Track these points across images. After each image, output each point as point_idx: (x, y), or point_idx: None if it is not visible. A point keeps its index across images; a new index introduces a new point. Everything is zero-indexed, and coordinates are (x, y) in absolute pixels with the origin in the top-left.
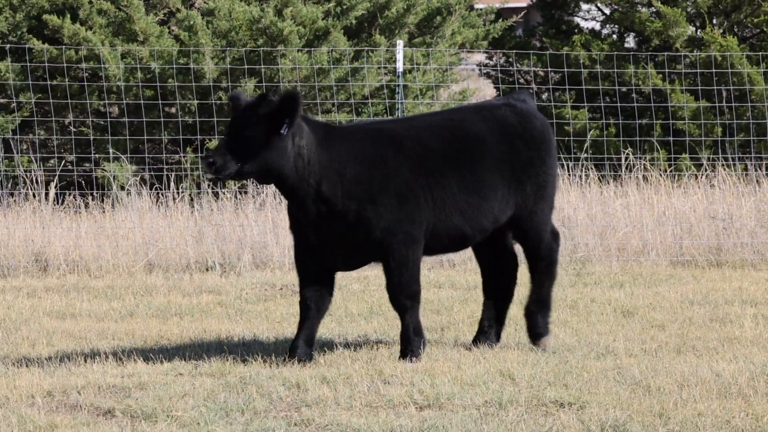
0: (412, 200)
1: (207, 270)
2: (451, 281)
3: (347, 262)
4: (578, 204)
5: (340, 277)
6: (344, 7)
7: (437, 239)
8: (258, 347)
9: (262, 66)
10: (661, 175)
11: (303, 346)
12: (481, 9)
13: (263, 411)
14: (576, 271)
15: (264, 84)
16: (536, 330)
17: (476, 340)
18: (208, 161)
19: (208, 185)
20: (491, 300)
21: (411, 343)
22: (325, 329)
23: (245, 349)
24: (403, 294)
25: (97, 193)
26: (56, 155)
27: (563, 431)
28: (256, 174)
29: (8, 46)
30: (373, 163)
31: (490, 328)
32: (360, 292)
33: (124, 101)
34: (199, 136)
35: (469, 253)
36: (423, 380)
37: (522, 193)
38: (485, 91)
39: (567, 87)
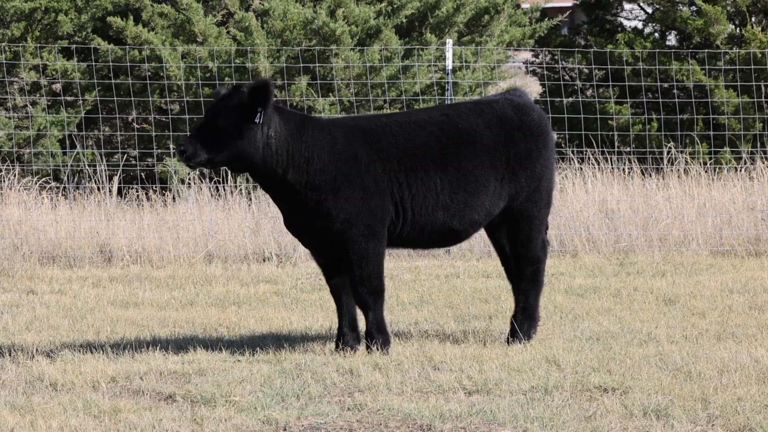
0: (378, 196)
1: (264, 260)
2: (499, 271)
3: (318, 249)
4: (621, 196)
5: (392, 267)
6: (395, 6)
7: (422, 234)
8: (313, 335)
9: (316, 64)
10: (701, 168)
11: (348, 332)
12: (527, 8)
13: (318, 396)
14: (619, 261)
15: (318, 82)
16: (515, 336)
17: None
18: (180, 149)
19: None
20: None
21: (374, 341)
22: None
23: (300, 337)
24: (365, 289)
25: (158, 186)
26: (120, 151)
27: (607, 416)
28: (227, 162)
29: (74, 46)
30: (342, 156)
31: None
32: (411, 282)
33: (185, 99)
34: None
35: None
36: (471, 366)
37: (516, 184)
38: (532, 88)
39: (611, 83)
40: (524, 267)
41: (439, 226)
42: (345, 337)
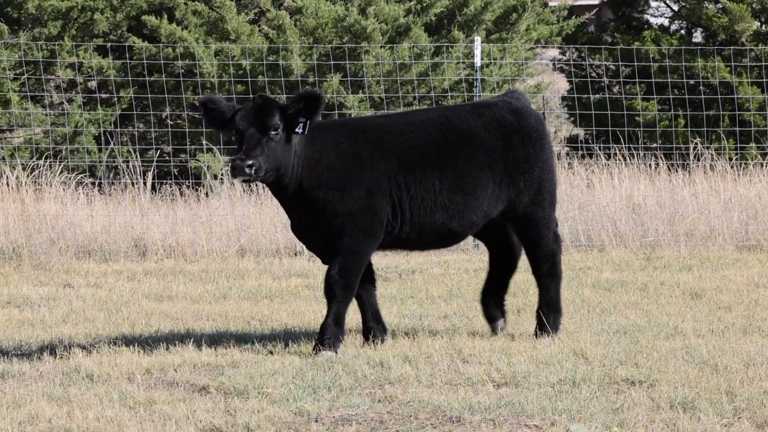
0: (379, 196)
1: (295, 255)
2: (527, 265)
3: (323, 251)
4: (648, 191)
5: (422, 261)
6: (424, 4)
7: (421, 234)
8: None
9: (347, 62)
10: (727, 163)
11: (374, 324)
12: (554, 6)
13: (349, 388)
14: (646, 255)
15: (349, 79)
16: (543, 329)
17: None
18: (248, 164)
19: None
20: (497, 276)
21: (330, 331)
22: (407, 310)
23: None
24: (341, 282)
25: (191, 182)
26: (154, 147)
27: (634, 408)
28: (274, 172)
29: (110, 44)
30: (346, 156)
31: (498, 305)
32: (440, 276)
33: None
34: None
35: None
36: (500, 359)
37: (515, 187)
38: (559, 85)
39: (637, 80)
40: (541, 264)
41: (438, 227)
42: (372, 330)
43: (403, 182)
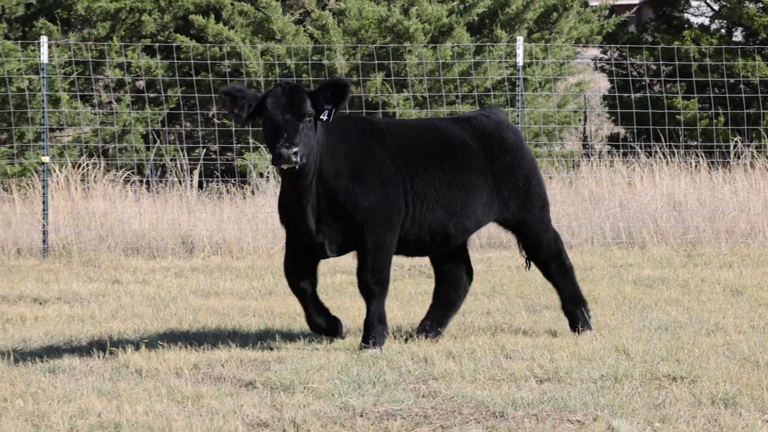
0: (393, 187)
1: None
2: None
3: (337, 245)
4: (689, 189)
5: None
6: (467, 4)
7: (419, 233)
8: (388, 323)
9: (390, 61)
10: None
11: (321, 316)
12: (595, 5)
13: (393, 383)
14: (687, 252)
15: (392, 78)
16: (576, 325)
17: (412, 335)
18: (294, 150)
19: None
20: (439, 305)
21: (374, 330)
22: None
23: None
24: (374, 279)
25: (237, 180)
26: (201, 145)
27: (676, 404)
28: (307, 158)
29: (157, 44)
30: (358, 147)
31: (430, 329)
32: (483, 273)
33: None
34: None
35: (586, 235)
36: (543, 355)
37: (501, 198)
38: (600, 84)
39: (678, 79)
40: (548, 266)
41: (437, 227)
42: (318, 324)
43: (407, 176)
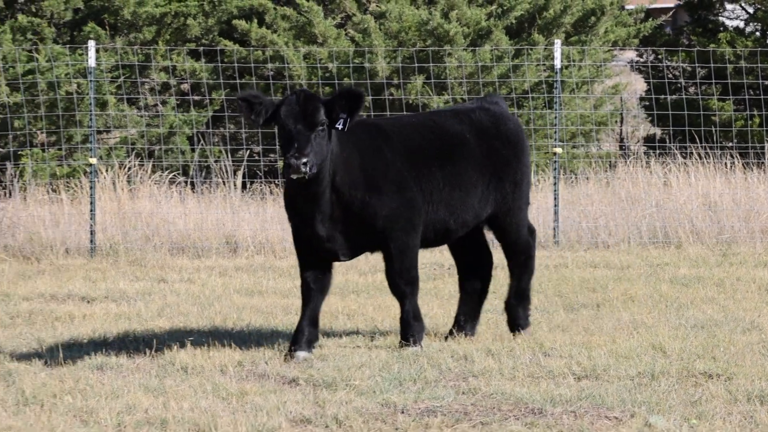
0: (409, 189)
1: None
2: (606, 261)
3: (350, 250)
4: (724, 189)
5: (503, 257)
6: (505, 8)
7: (425, 231)
8: (428, 322)
9: (430, 64)
10: None
11: (309, 327)
12: (631, 9)
13: (434, 380)
14: (722, 252)
15: (432, 81)
16: (516, 322)
17: (452, 333)
18: (303, 162)
19: None
20: (468, 296)
21: (411, 328)
22: (489, 305)
23: None
24: (403, 280)
25: (280, 181)
26: (244, 147)
27: (712, 401)
28: (319, 168)
29: (202, 48)
30: (370, 153)
31: (465, 323)
32: None
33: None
34: None
35: (622, 235)
36: (580, 353)
37: (501, 190)
38: (636, 86)
39: (713, 81)
40: (518, 256)
41: (439, 225)
42: (303, 333)
43: (415, 177)
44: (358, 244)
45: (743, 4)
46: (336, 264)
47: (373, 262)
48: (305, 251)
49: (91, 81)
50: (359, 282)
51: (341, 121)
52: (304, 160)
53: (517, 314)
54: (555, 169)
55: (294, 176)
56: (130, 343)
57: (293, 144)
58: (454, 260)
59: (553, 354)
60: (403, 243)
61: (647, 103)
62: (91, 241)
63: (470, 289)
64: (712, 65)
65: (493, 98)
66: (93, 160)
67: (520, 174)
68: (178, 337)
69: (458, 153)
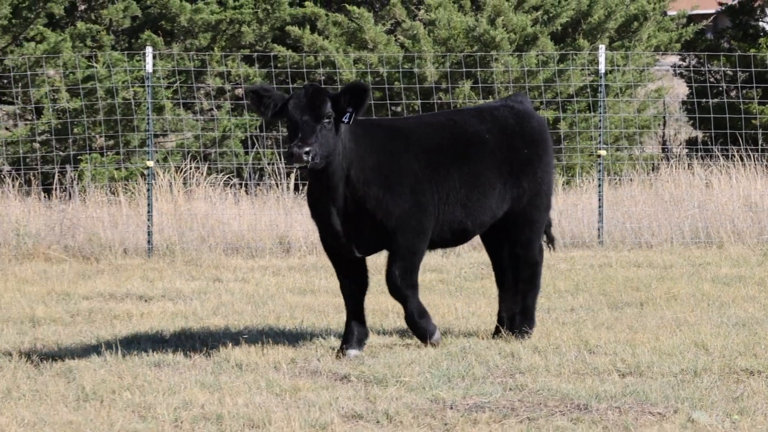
0: (421, 192)
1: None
2: (649, 261)
3: (364, 246)
4: (765, 190)
5: (548, 257)
6: (551, 15)
7: (440, 232)
8: (476, 320)
9: (478, 69)
10: None
11: (357, 325)
12: (673, 14)
13: (481, 377)
14: (763, 252)
15: (479, 85)
16: (513, 332)
17: (498, 330)
18: (305, 150)
19: None
20: (506, 294)
21: (419, 325)
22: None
23: (465, 322)
24: (405, 283)
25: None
26: None
27: (753, 397)
28: (325, 159)
29: (255, 54)
30: (387, 154)
31: (507, 317)
32: (567, 271)
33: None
34: None
35: (665, 235)
36: (624, 350)
37: (519, 188)
38: (678, 90)
39: (754, 85)
40: (523, 269)
41: (456, 225)
42: (353, 334)
43: (432, 179)
44: (371, 242)
45: None
46: (431, 263)
47: (422, 262)
48: (329, 249)
49: (148, 86)
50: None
51: (347, 114)
52: (307, 149)
53: (514, 329)
54: (599, 171)
55: (296, 164)
56: (187, 341)
57: (297, 134)
58: (490, 258)
59: (598, 351)
60: (412, 245)
61: (689, 107)
62: (149, 242)
63: (507, 285)
64: (752, 69)
65: (518, 97)
66: (150, 163)
67: (540, 173)
68: (232, 335)
69: (477, 153)
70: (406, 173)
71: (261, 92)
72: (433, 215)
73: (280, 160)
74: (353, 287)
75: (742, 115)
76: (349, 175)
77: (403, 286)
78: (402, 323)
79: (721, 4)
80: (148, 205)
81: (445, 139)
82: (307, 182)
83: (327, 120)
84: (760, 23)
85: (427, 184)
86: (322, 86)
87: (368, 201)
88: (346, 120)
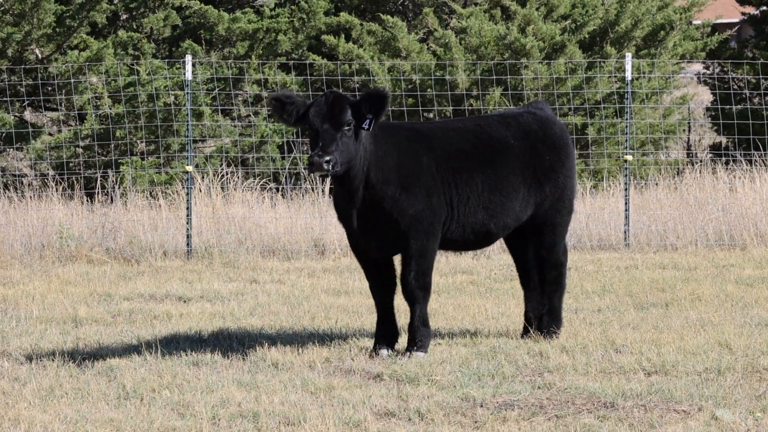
0: (436, 195)
1: (460, 253)
2: (674, 262)
3: (380, 247)
4: None
5: (576, 259)
6: (579, 23)
7: (462, 233)
8: (505, 320)
9: (508, 76)
10: None
11: (388, 325)
12: (698, 24)
13: (510, 376)
14: None
15: (509, 92)
16: (546, 333)
17: (526, 330)
18: (326, 159)
19: None
20: (531, 294)
21: (419, 333)
22: (563, 305)
23: (494, 322)
24: (418, 284)
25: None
26: None
27: None
28: (346, 166)
29: (292, 62)
30: (407, 156)
31: (534, 317)
32: (593, 273)
33: (389, 108)
34: None
35: (690, 238)
36: (650, 349)
37: (542, 193)
38: (703, 96)
39: None
40: (548, 271)
41: (479, 227)
42: (384, 337)
43: (452, 182)
44: (386, 242)
45: None
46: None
47: (453, 263)
48: (355, 250)
49: (187, 93)
50: (440, 282)
51: (367, 121)
52: (327, 158)
53: (542, 330)
54: (626, 175)
55: (317, 173)
56: (224, 341)
57: (318, 143)
58: (513, 260)
59: (624, 350)
60: (424, 246)
61: (713, 113)
62: (188, 244)
63: (533, 286)
64: None
65: (539, 104)
66: (189, 168)
67: (563, 178)
68: (269, 335)
69: (500, 158)
70: (424, 175)
71: (283, 99)
72: (443, 218)
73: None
74: (381, 288)
75: (765, 122)
76: (368, 177)
77: (416, 287)
78: (432, 323)
79: (744, 13)
80: (187, 208)
81: (470, 143)
82: (332, 186)
83: (347, 128)
84: None
85: (444, 186)
86: (342, 93)
87: (385, 200)
88: (366, 127)
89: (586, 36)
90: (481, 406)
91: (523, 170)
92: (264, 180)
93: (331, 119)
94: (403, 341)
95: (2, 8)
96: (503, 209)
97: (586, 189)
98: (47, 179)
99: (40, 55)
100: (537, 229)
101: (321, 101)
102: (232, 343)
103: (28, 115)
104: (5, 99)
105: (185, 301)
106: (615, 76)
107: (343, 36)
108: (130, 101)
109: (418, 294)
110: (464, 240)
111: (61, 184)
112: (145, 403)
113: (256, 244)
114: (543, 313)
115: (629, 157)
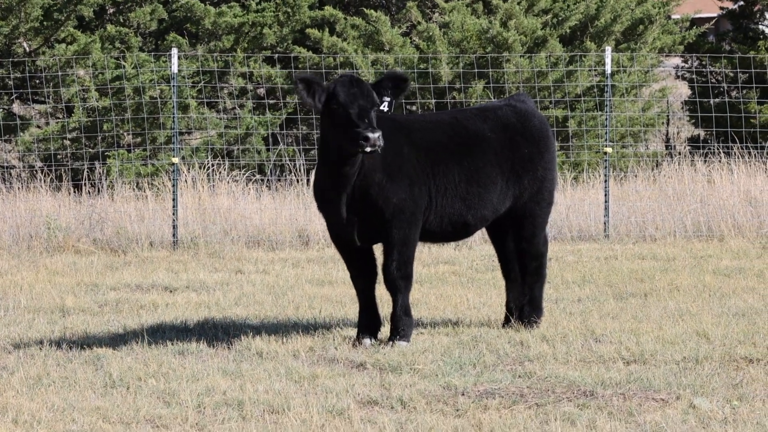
0: (418, 185)
1: (441, 244)
2: (653, 253)
3: (363, 236)
4: (764, 186)
5: (557, 249)
6: (560, 18)
7: (440, 224)
8: (487, 310)
9: (490, 69)
10: None
11: (370, 314)
12: (677, 18)
13: (492, 365)
14: (762, 245)
15: (491, 85)
16: (526, 323)
17: (507, 320)
18: (377, 135)
19: None
20: (512, 284)
21: (402, 323)
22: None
23: (476, 312)
24: (400, 274)
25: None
26: (316, 147)
27: (752, 384)
28: None
29: (277, 55)
30: (391, 146)
31: (516, 307)
32: (574, 263)
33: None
34: None
35: (669, 229)
36: (629, 339)
37: (520, 185)
38: (681, 90)
39: (754, 85)
40: (529, 262)
41: (456, 218)
42: (367, 328)
43: (431, 173)
44: (369, 230)
45: None
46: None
47: (435, 254)
48: (336, 239)
49: (173, 86)
50: (422, 272)
51: (386, 102)
52: (378, 133)
53: (523, 320)
54: (606, 167)
55: (368, 149)
56: (210, 330)
57: (363, 119)
58: (495, 250)
59: (604, 340)
60: (406, 235)
61: (691, 106)
62: (174, 235)
63: (514, 276)
64: (752, 71)
65: (521, 96)
66: (175, 160)
67: (542, 170)
68: (253, 325)
69: (477, 150)
70: (405, 164)
71: (311, 80)
72: (423, 208)
73: (300, 156)
74: (362, 278)
75: (742, 115)
76: (363, 163)
77: (398, 276)
78: (415, 313)
79: (722, 8)
80: (173, 200)
81: (447, 136)
82: (315, 173)
83: (377, 108)
84: (760, 26)
85: (424, 177)
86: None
87: (372, 187)
88: (386, 108)
89: (567, 30)
90: (463, 394)
91: (500, 162)
92: (249, 171)
93: (366, 98)
94: (385, 331)
95: None
96: (480, 200)
97: (566, 181)
98: (35, 171)
99: (27, 49)
100: (517, 220)
101: (346, 81)
102: (218, 332)
103: (17, 107)
104: None
105: (171, 291)
106: (595, 70)
107: (327, 30)
108: (117, 94)
109: (401, 284)
110: (442, 231)
111: (48, 175)
112: (131, 392)
113: (241, 235)
114: (524, 303)
115: (609, 150)
